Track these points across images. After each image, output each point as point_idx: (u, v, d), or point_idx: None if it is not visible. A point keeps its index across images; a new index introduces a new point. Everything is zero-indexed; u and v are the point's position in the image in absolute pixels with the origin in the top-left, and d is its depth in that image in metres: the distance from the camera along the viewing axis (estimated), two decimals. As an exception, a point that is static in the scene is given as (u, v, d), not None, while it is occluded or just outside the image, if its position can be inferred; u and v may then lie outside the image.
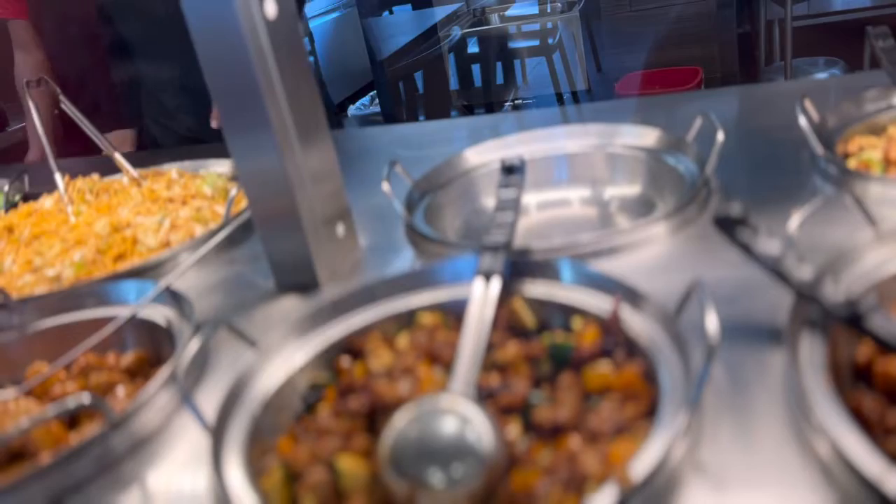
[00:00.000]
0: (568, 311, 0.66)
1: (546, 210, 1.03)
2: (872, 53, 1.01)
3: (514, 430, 0.55)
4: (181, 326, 0.76)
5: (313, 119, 0.84)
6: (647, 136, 1.01)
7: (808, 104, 0.90)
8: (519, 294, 0.69)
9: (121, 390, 0.72)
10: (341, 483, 0.53)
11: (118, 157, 1.25)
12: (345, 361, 0.68)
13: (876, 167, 0.83)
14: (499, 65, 3.91)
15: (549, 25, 3.74)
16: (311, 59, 4.01)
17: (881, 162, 0.85)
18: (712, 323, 0.49)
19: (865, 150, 0.89)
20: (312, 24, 4.64)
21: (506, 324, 0.68)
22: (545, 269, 0.69)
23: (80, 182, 1.20)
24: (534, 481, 0.49)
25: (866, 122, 0.95)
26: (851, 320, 0.51)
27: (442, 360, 0.63)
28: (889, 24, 1.02)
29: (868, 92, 0.97)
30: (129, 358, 0.77)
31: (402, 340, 0.70)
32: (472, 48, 3.84)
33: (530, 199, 1.03)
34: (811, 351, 0.52)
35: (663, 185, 0.95)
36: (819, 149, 0.84)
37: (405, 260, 0.87)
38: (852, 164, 0.86)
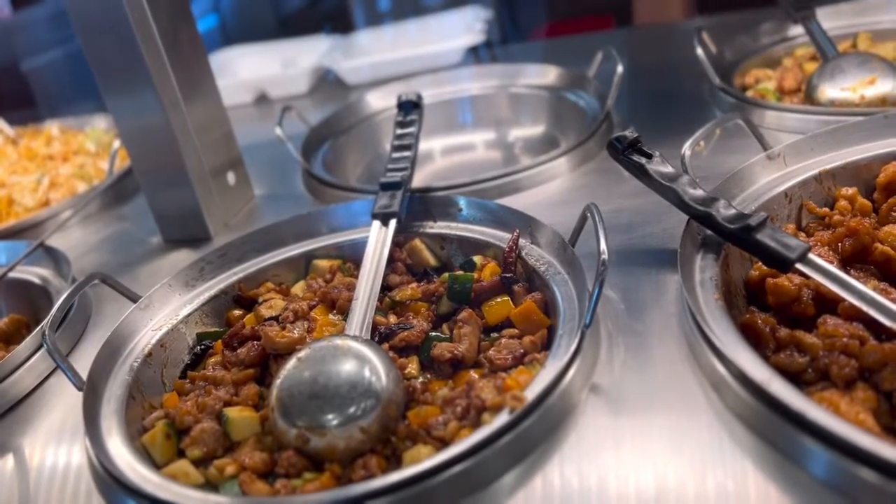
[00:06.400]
0: (468, 248, 0.64)
1: (451, 155, 1.01)
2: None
3: (412, 367, 0.53)
4: (58, 285, 0.70)
5: (196, 66, 0.79)
6: (549, 74, 0.99)
7: (704, 36, 0.90)
8: (420, 233, 0.67)
9: (-8, 356, 0.67)
10: (230, 432, 0.50)
11: (-8, 115, 1.15)
12: (235, 312, 0.64)
13: (771, 96, 0.84)
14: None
15: (462, -22, 3.67)
16: (217, 16, 3.83)
17: (775, 91, 0.86)
18: (603, 241, 0.48)
19: (762, 81, 0.90)
20: (216, -19, 4.43)
21: (406, 264, 0.66)
22: (445, 208, 0.67)
23: (-52, 142, 1.11)
24: (432, 416, 0.47)
25: (762, 54, 0.96)
26: (742, 234, 0.50)
27: (339, 305, 0.61)
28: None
29: (763, 25, 0.98)
30: (2, 322, 0.71)
31: (298, 287, 0.67)
32: (383, 3, 3.75)
33: (434, 144, 1.01)
34: (703, 272, 0.52)
35: (566, 122, 0.94)
36: (716, 80, 0.84)
37: (303, 208, 0.83)
38: (749, 94, 0.87)
